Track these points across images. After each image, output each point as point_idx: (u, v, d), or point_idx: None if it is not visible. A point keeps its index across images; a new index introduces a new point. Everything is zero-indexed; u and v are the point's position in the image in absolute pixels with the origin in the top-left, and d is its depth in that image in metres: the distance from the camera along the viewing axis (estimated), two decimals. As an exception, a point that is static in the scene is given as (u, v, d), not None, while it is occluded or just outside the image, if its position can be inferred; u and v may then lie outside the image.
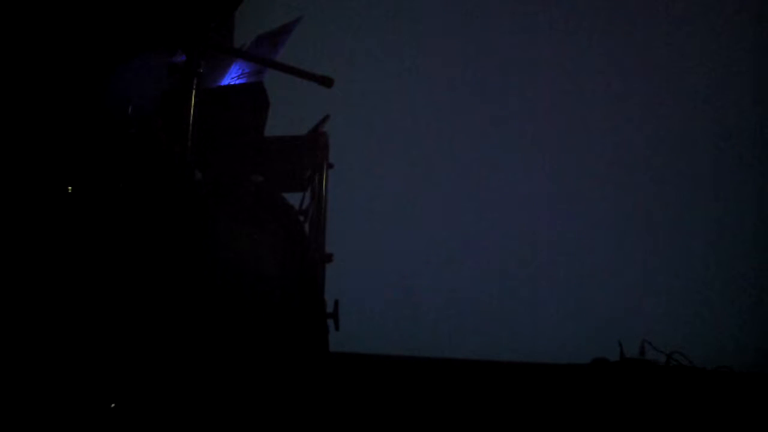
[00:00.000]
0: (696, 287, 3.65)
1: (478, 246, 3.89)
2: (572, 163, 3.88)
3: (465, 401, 2.85)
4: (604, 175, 3.83)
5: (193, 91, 1.73)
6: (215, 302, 1.87)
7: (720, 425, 2.57)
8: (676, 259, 3.72)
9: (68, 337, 1.72)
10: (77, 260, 1.77)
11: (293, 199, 2.52)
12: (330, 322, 2.41)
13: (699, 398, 2.70)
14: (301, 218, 2.57)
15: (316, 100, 2.81)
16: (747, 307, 3.60)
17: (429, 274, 3.87)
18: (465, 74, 4.01)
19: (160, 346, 1.65)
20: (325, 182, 2.72)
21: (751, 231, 3.68)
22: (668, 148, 3.80)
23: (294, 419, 1.98)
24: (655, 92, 3.84)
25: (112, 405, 1.65)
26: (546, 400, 2.79)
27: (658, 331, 3.26)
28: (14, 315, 1.72)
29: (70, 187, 1.86)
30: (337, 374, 2.23)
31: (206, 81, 1.93)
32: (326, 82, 1.97)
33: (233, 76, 2.34)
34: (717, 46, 3.78)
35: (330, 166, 2.76)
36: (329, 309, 2.42)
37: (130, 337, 1.72)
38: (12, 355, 1.70)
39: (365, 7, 4.10)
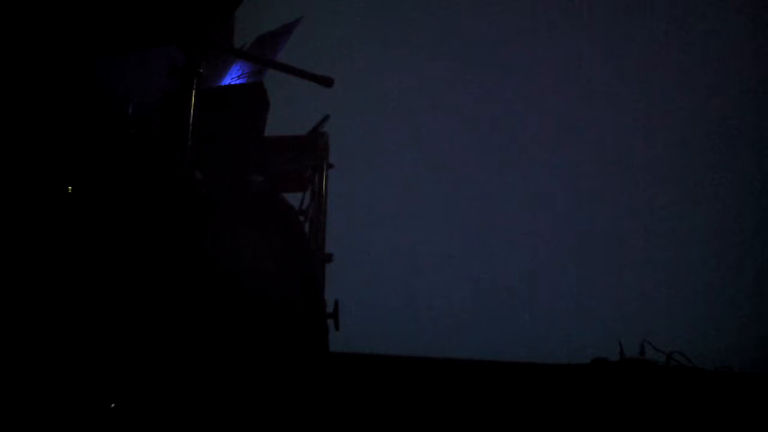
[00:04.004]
0: (696, 287, 3.65)
1: (478, 246, 3.89)
2: (572, 163, 3.88)
3: (465, 401, 2.85)
4: (604, 174, 3.83)
5: (193, 91, 1.73)
6: (215, 302, 1.87)
7: (720, 425, 2.57)
8: (676, 260, 3.71)
9: (68, 337, 1.72)
10: (77, 260, 1.77)
11: (293, 199, 2.52)
12: (330, 322, 2.41)
13: (699, 398, 2.70)
14: (301, 218, 2.57)
15: (316, 100, 2.81)
16: (747, 307, 3.60)
17: (429, 274, 3.87)
18: (465, 74, 4.01)
19: (160, 346, 1.65)
20: (325, 182, 2.72)
21: (751, 231, 3.68)
22: (668, 147, 3.80)
23: (294, 419, 1.98)
24: (655, 92, 3.83)
25: (112, 405, 1.65)
26: (546, 400, 2.79)
27: (658, 331, 3.26)
28: (14, 315, 1.72)
29: (70, 187, 1.86)
30: (337, 374, 2.23)
31: (206, 81, 1.93)
32: (326, 82, 1.97)
33: (233, 76, 2.34)
34: (717, 47, 3.78)
35: (330, 166, 2.76)
36: (329, 309, 2.42)
37: (130, 337, 1.72)
38: (12, 355, 1.70)
39: (365, 7, 4.10)
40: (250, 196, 2.02)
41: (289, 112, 2.74)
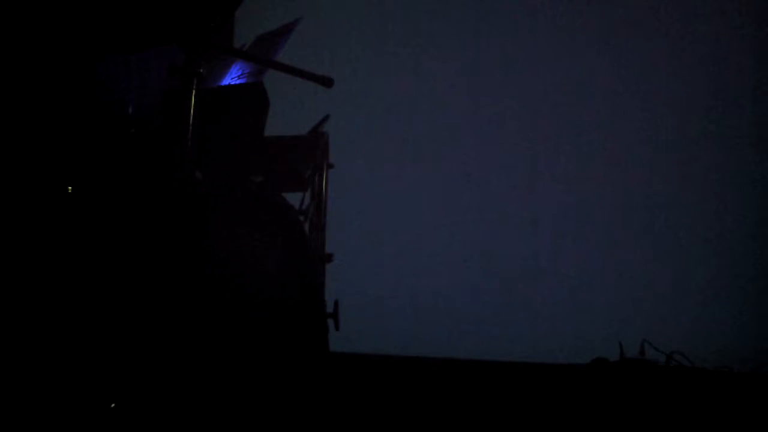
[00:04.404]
0: (696, 287, 3.65)
1: (478, 246, 3.89)
2: (572, 163, 3.88)
3: (465, 401, 2.85)
4: (604, 174, 3.84)
5: (193, 91, 1.73)
6: (215, 302, 1.87)
7: (720, 425, 2.57)
8: (675, 260, 3.72)
9: (68, 337, 1.72)
10: (77, 260, 1.77)
11: (293, 199, 2.52)
12: (330, 322, 2.41)
13: (699, 398, 2.70)
14: (301, 218, 2.57)
15: (316, 100, 2.81)
16: (747, 307, 3.60)
17: (429, 274, 3.87)
18: (465, 74, 4.01)
19: (160, 346, 1.65)
20: (325, 182, 2.72)
21: (751, 231, 3.68)
22: (668, 148, 3.80)
23: (294, 419, 1.98)
24: (655, 92, 3.84)
25: (112, 405, 1.65)
26: (546, 400, 2.79)
27: (658, 331, 3.26)
28: (14, 315, 1.72)
29: (70, 187, 1.86)
30: (337, 374, 2.23)
31: (206, 81, 1.93)
32: (326, 82, 1.97)
33: (233, 76, 2.33)
34: (717, 46, 3.78)
35: (330, 166, 2.75)
36: (329, 309, 2.42)
37: (130, 337, 1.72)
38: (12, 355, 1.70)
39: (365, 7, 4.10)
40: (250, 196, 2.02)
41: (289, 112, 2.74)
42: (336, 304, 2.52)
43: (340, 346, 2.42)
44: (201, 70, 1.75)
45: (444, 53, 4.02)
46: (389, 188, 3.97)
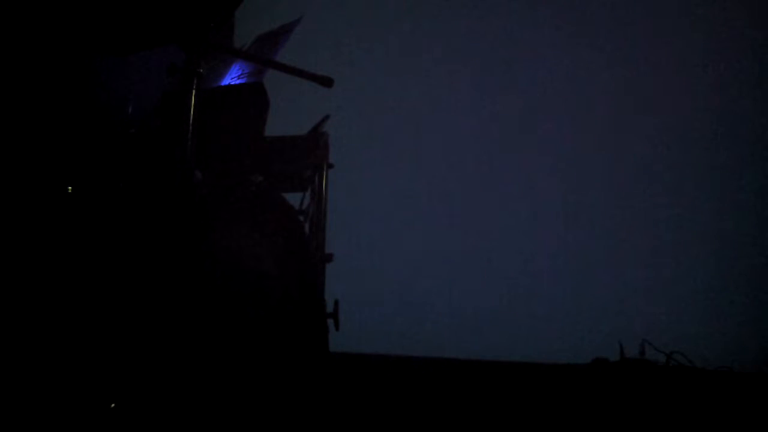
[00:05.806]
0: (696, 287, 3.65)
1: (478, 246, 3.89)
2: (572, 163, 3.88)
3: (465, 401, 2.85)
4: (604, 174, 3.83)
5: (193, 91, 1.73)
6: (215, 302, 1.87)
7: (720, 425, 2.57)
8: (676, 259, 3.71)
9: (68, 337, 1.72)
10: (77, 260, 1.77)
11: (293, 199, 2.52)
12: (330, 322, 2.41)
13: (699, 398, 2.70)
14: (301, 218, 2.57)
15: (316, 100, 2.81)
16: (747, 307, 3.60)
17: (429, 274, 3.87)
18: (465, 73, 4.01)
19: (159, 346, 1.65)
20: (325, 182, 2.72)
21: (751, 231, 3.68)
22: (669, 147, 3.80)
23: (294, 419, 1.98)
24: (655, 92, 3.83)
25: (112, 405, 1.65)
26: (546, 400, 2.79)
27: (658, 331, 3.26)
28: (14, 315, 1.72)
29: (70, 187, 1.86)
30: (337, 374, 2.23)
31: (206, 81, 1.93)
32: (326, 82, 1.97)
33: (233, 76, 2.34)
34: (717, 46, 3.78)
35: (330, 166, 2.76)
36: (329, 309, 2.42)
37: (130, 337, 1.72)
38: (12, 355, 1.70)
39: (365, 7, 4.10)
40: (250, 196, 2.02)
41: (289, 112, 2.74)
42: (336, 304, 2.52)
43: (340, 346, 2.42)
44: (201, 70, 1.75)
45: (444, 53, 4.02)
46: (389, 188, 3.97)
